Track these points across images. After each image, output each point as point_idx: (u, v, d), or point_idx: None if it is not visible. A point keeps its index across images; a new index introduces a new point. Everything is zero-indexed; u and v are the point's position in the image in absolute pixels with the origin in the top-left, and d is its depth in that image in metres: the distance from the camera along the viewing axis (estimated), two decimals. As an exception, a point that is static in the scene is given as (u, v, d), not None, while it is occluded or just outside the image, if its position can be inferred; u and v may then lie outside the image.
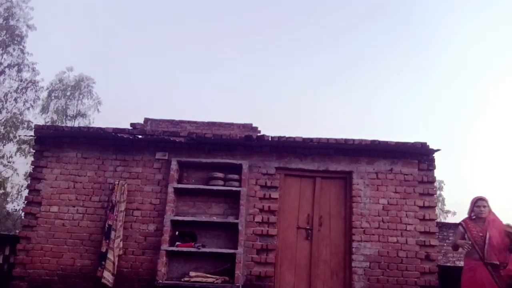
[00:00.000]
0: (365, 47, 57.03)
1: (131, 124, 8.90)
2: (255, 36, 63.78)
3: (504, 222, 5.04)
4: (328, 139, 6.47)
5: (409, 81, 56.55)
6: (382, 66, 58.13)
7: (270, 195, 6.55)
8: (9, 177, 20.29)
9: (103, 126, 6.76)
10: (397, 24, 59.08)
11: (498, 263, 4.80)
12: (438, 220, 21.63)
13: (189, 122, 9.65)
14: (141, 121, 9.60)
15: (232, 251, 6.19)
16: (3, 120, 19.24)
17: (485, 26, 54.51)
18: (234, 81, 57.20)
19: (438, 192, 29.80)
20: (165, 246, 6.19)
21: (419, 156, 6.68)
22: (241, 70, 61.35)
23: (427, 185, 6.60)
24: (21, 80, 19.82)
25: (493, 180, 48.26)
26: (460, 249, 5.34)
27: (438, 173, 6.81)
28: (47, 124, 20.01)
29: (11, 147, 20.14)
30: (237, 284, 6.01)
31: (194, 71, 57.75)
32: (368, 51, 56.66)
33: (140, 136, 6.64)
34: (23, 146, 20.28)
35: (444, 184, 30.99)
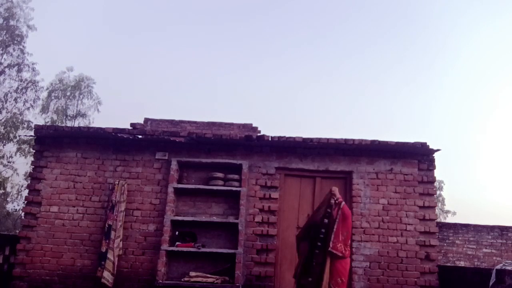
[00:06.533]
0: (373, 49, 57.07)
1: (131, 124, 8.89)
2: (256, 37, 63.78)
3: None
4: (328, 139, 6.47)
5: (416, 83, 56.48)
6: (391, 69, 58.10)
7: (270, 195, 6.55)
8: (9, 177, 20.29)
9: (103, 126, 6.77)
10: (410, 28, 58.99)
11: None
12: (438, 220, 21.64)
13: (189, 122, 9.64)
14: (141, 121, 9.59)
15: (232, 251, 6.19)
16: (3, 120, 19.23)
17: (497, 30, 54.47)
18: (235, 81, 57.20)
19: (438, 192, 29.77)
20: (165, 246, 6.19)
21: (419, 156, 6.68)
22: (242, 70, 61.35)
23: (427, 185, 6.60)
24: (21, 80, 19.80)
25: (494, 180, 48.29)
26: None
27: (438, 173, 6.82)
28: (47, 124, 19.96)
29: (11, 147, 20.15)
30: (237, 284, 6.01)
31: (195, 71, 57.75)
32: (377, 54, 56.71)
33: (140, 136, 6.64)
34: (23, 146, 20.26)
35: (444, 184, 30.99)
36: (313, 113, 53.08)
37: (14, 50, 19.58)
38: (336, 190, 4.99)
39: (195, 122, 9.65)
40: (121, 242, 6.26)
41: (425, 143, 6.53)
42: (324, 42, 60.75)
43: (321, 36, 61.31)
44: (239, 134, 7.29)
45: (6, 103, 19.41)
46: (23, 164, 20.20)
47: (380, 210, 6.48)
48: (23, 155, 20.44)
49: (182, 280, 6.07)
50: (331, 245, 4.67)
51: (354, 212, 6.43)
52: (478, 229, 14.02)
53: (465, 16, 59.05)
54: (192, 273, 6.14)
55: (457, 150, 49.79)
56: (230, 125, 9.68)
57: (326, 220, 4.80)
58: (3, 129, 19.10)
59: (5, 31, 19.22)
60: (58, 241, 6.38)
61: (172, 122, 9.63)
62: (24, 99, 19.88)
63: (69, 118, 23.77)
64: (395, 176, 6.62)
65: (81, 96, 24.48)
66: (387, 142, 6.46)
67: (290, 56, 60.62)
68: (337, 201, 4.88)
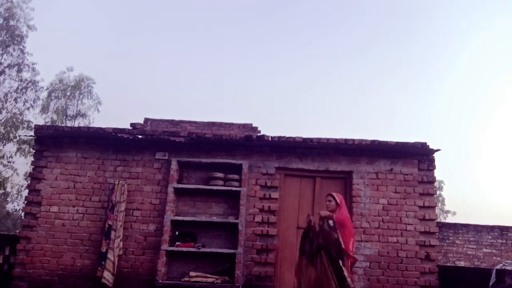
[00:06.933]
0: (373, 49, 57.05)
1: (131, 124, 8.89)
2: (256, 38, 63.81)
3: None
4: (328, 139, 6.47)
5: (417, 83, 56.46)
6: (391, 69, 58.10)
7: (270, 195, 6.55)
8: (9, 177, 20.28)
9: (103, 126, 6.77)
10: (410, 28, 58.89)
11: None
12: (438, 220, 21.64)
13: (189, 122, 9.64)
14: (141, 121, 9.59)
15: (232, 251, 6.20)
16: (3, 120, 19.23)
17: (498, 31, 54.42)
18: (235, 81, 57.22)
19: (438, 192, 29.75)
20: (165, 246, 6.19)
21: (419, 156, 6.68)
22: (242, 71, 61.37)
23: (427, 185, 6.60)
24: (21, 80, 19.79)
25: (494, 180, 48.31)
26: None
27: (438, 173, 6.83)
28: (47, 124, 19.96)
29: (11, 147, 20.13)
30: (237, 284, 6.01)
31: (195, 72, 57.77)
32: (377, 55, 56.70)
33: (140, 136, 6.64)
34: (23, 146, 20.25)
35: (444, 184, 30.97)
36: (313, 113, 53.10)
37: (14, 50, 19.58)
38: (323, 212, 5.03)
39: (195, 122, 9.65)
40: (121, 242, 6.26)
41: (425, 143, 6.53)
42: (324, 42, 60.79)
43: (321, 37, 61.37)
44: (239, 134, 7.30)
45: (6, 103, 19.41)
46: (23, 164, 20.21)
47: (380, 210, 6.48)
48: (23, 155, 20.43)
49: (182, 280, 6.07)
50: (350, 251, 4.73)
51: (354, 212, 6.44)
52: (478, 229, 14.02)
53: (466, 16, 59.13)
54: (192, 273, 6.14)
55: (457, 150, 49.80)
56: (230, 125, 9.68)
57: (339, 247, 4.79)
58: (3, 129, 19.10)
59: (5, 31, 19.21)
60: (58, 241, 6.38)
61: (172, 122, 9.63)
62: (24, 99, 19.87)
63: (69, 118, 23.77)
64: (395, 176, 6.62)
65: (81, 96, 24.48)
66: (387, 142, 6.46)
67: (290, 57, 60.67)
68: (329, 222, 4.95)
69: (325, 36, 61.25)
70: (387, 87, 55.88)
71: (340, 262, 4.68)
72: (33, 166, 6.80)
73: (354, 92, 56.58)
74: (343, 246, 4.74)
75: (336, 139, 6.48)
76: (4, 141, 19.40)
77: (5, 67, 19.45)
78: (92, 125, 22.40)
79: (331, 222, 4.93)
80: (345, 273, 4.61)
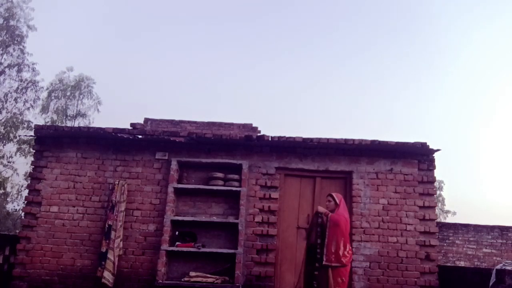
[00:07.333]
0: (373, 49, 57.02)
1: (131, 124, 8.89)
2: (256, 38, 63.79)
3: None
4: (328, 139, 6.47)
5: (416, 82, 56.44)
6: (391, 69, 58.07)
7: (270, 195, 6.55)
8: (9, 177, 20.28)
9: (103, 126, 6.77)
10: (410, 28, 58.83)
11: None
12: (438, 220, 21.64)
13: (189, 122, 9.65)
14: (141, 121, 9.59)
15: (232, 251, 6.20)
16: (3, 120, 19.23)
17: (497, 30, 54.38)
18: (235, 81, 57.21)
19: (438, 192, 29.74)
20: (165, 246, 6.19)
21: (419, 156, 6.68)
22: (242, 70, 61.36)
23: (427, 185, 6.60)
24: (21, 80, 19.79)
25: (494, 180, 48.30)
26: None
27: (438, 173, 6.83)
28: (47, 124, 19.95)
29: (11, 147, 20.14)
30: (237, 284, 6.01)
31: (195, 72, 57.76)
32: (377, 55, 56.63)
33: (140, 136, 6.64)
34: (23, 146, 20.25)
35: (444, 184, 30.96)
36: (313, 113, 53.08)
37: (14, 50, 19.57)
38: (320, 208, 5.26)
39: (195, 122, 9.65)
40: (121, 242, 6.27)
41: (425, 143, 6.53)
42: (324, 42, 60.77)
43: (321, 37, 61.36)
44: (239, 134, 7.30)
45: (6, 103, 19.41)
46: (23, 164, 20.20)
47: (380, 210, 6.48)
48: (23, 155, 20.43)
49: (182, 280, 6.07)
50: (324, 259, 4.89)
51: (354, 212, 6.44)
52: (478, 229, 14.02)
53: (465, 15, 59.13)
54: (192, 273, 6.14)
55: (457, 150, 49.81)
56: (230, 125, 9.68)
57: (319, 240, 4.98)
58: (3, 129, 19.10)
59: (5, 31, 19.21)
60: (58, 241, 6.38)
61: (172, 122, 9.63)
62: (24, 99, 19.87)
63: (69, 118, 23.76)
64: (395, 176, 6.62)
65: (81, 96, 24.47)
66: (387, 142, 6.46)
67: (290, 57, 60.65)
68: (325, 217, 5.06)
69: (325, 36, 61.26)
70: (387, 87, 55.88)
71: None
72: (33, 166, 6.80)
73: (354, 92, 56.56)
74: (332, 249, 4.88)
75: (336, 139, 6.48)
76: (4, 141, 19.40)
77: (5, 67, 19.45)
78: (92, 125, 22.41)
79: (324, 218, 5.05)
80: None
